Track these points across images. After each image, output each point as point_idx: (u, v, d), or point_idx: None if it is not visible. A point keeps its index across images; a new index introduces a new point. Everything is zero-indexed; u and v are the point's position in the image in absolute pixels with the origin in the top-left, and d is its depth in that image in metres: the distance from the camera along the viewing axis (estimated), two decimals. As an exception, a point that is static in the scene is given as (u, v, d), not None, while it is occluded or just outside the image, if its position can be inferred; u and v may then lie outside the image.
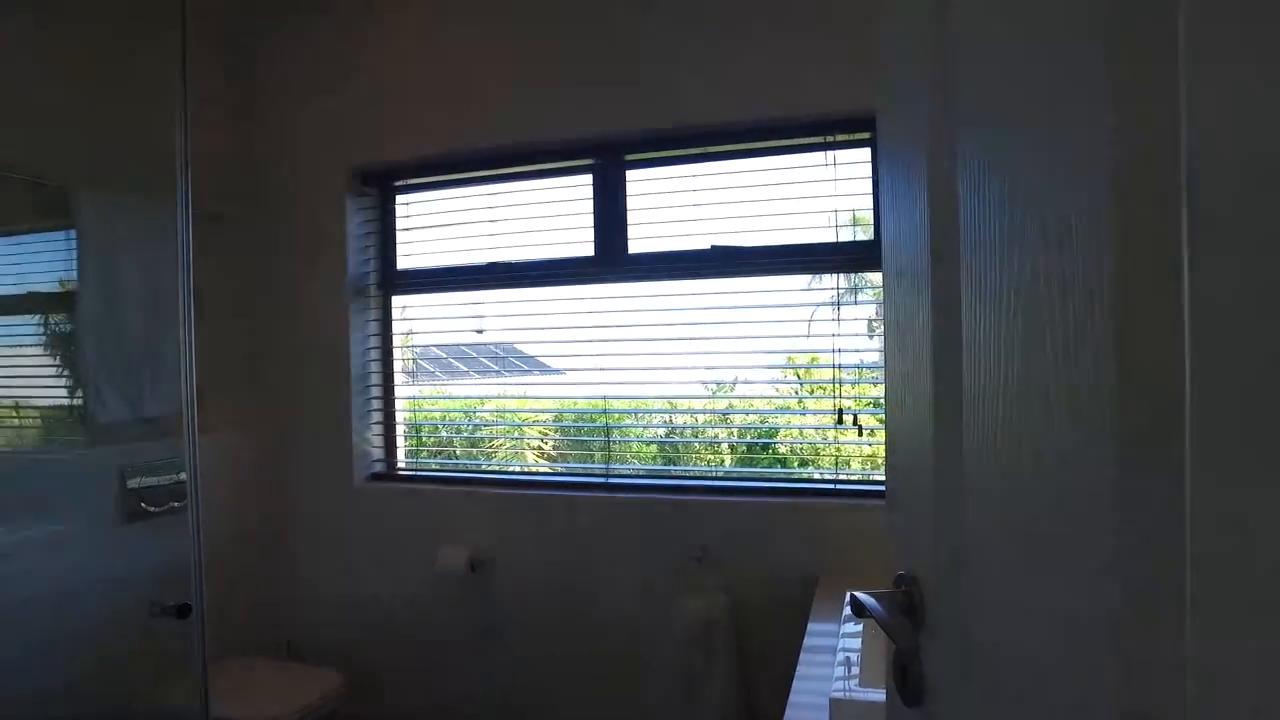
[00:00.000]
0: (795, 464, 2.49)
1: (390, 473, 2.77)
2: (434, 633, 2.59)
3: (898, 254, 0.79)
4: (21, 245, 2.21)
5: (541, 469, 2.66)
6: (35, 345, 2.25)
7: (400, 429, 2.80)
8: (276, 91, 2.80)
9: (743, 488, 2.37)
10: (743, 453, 2.59)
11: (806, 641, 1.71)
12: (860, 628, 1.60)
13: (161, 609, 1.58)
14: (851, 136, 2.26)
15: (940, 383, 0.68)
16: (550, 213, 2.59)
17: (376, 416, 2.77)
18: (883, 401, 2.25)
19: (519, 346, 2.79)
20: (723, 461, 2.58)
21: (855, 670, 1.47)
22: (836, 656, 1.53)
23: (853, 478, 2.31)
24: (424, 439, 2.90)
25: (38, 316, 2.23)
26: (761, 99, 2.24)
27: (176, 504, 2.36)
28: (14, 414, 2.20)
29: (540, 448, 2.82)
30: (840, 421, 2.32)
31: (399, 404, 2.79)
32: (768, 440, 2.59)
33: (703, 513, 2.32)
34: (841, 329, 2.28)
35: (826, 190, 2.31)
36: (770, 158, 2.37)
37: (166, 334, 2.32)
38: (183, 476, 2.38)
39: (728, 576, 2.28)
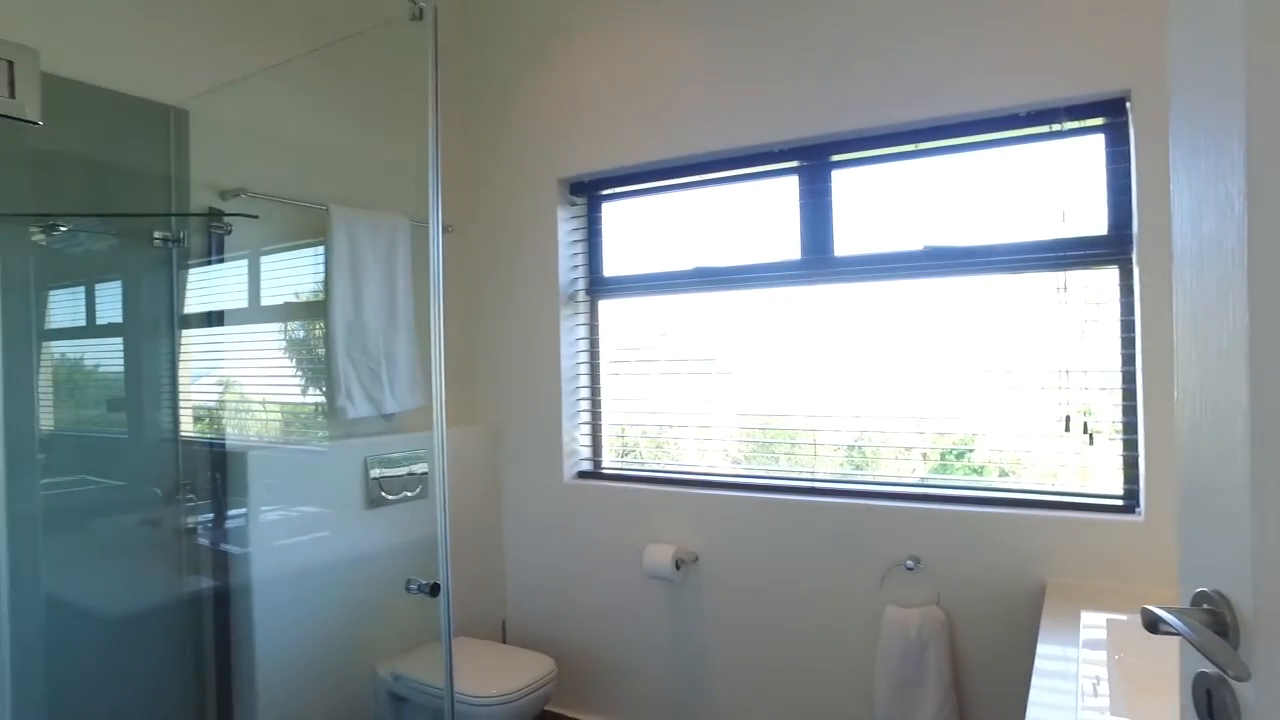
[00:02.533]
0: (997, 473, 2.34)
1: (597, 471, 2.89)
2: (637, 627, 2.67)
3: (1196, 245, 0.73)
4: (287, 261, 2.51)
5: (745, 471, 2.66)
6: (298, 347, 2.54)
7: (606, 429, 2.91)
8: (490, 109, 3.00)
9: (955, 495, 2.26)
10: (949, 460, 2.47)
11: (1038, 664, 1.60)
12: (1103, 653, 1.48)
13: (417, 586, 1.75)
14: (1082, 123, 2.10)
15: (1260, 384, 0.62)
16: (755, 217, 2.61)
17: (584, 417, 2.90)
18: (1118, 407, 2.10)
19: (722, 349, 2.82)
20: (931, 468, 2.48)
21: (1105, 699, 1.36)
22: (1079, 683, 1.42)
23: (1079, 489, 2.15)
24: (629, 439, 2.99)
25: (300, 322, 2.52)
26: (977, 91, 2.14)
27: (410, 494, 2.60)
28: (279, 410, 2.50)
29: (730, 451, 2.83)
30: (1068, 429, 2.16)
31: (605, 405, 2.90)
32: (968, 449, 2.45)
33: (913, 520, 2.24)
34: (1067, 329, 2.12)
35: (1047, 182, 2.16)
36: (984, 151, 2.25)
37: (401, 338, 2.56)
38: (416, 469, 2.61)
39: (941, 588, 2.18)
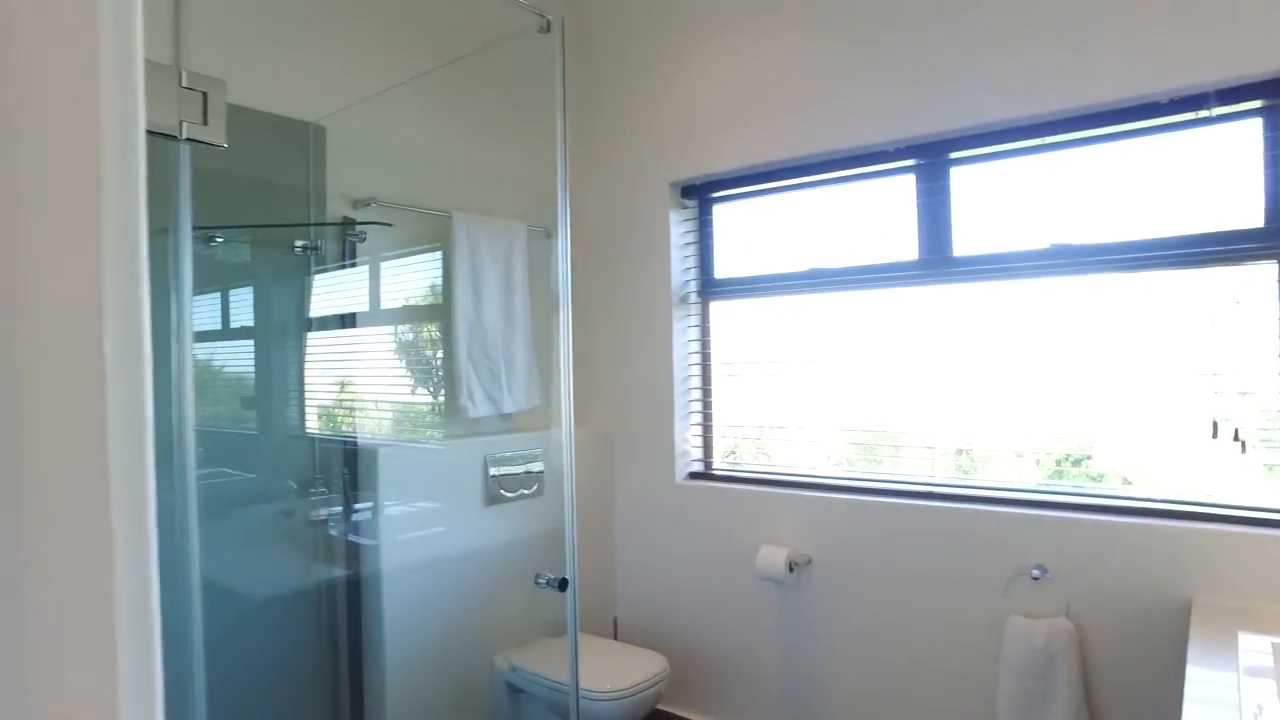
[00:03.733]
0: (1119, 481, 2.21)
1: (707, 472, 2.90)
2: (749, 629, 2.66)
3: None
4: (411, 266, 2.62)
5: (857, 474, 2.62)
6: (419, 349, 2.65)
7: (718, 431, 2.91)
8: (603, 115, 3.05)
9: (1082, 504, 2.15)
10: (1064, 466, 2.35)
11: (1189, 689, 1.51)
12: (1271, 681, 1.38)
13: (546, 580, 1.80)
14: (1235, 108, 1.96)
15: None
16: (869, 216, 2.56)
17: (695, 418, 2.91)
18: (1264, 413, 1.95)
19: (834, 350, 2.78)
20: (1047, 474, 2.37)
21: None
22: (1241, 713, 1.34)
23: (1226, 499, 2.01)
24: (738, 441, 2.99)
25: (421, 325, 2.63)
26: (1113, 78, 2.03)
27: (526, 491, 2.67)
28: (402, 409, 2.62)
29: (839, 453, 2.78)
30: (1215, 435, 2.02)
31: (716, 406, 2.91)
32: (1085, 456, 2.32)
33: (1037, 527, 2.15)
34: (1212, 329, 1.99)
35: (1190, 173, 2.03)
36: (1119, 142, 2.14)
37: (518, 340, 2.63)
38: (533, 468, 2.68)
39: (1070, 598, 2.09)
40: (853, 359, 2.60)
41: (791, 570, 2.51)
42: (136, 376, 0.40)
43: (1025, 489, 2.29)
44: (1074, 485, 2.26)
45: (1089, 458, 2.32)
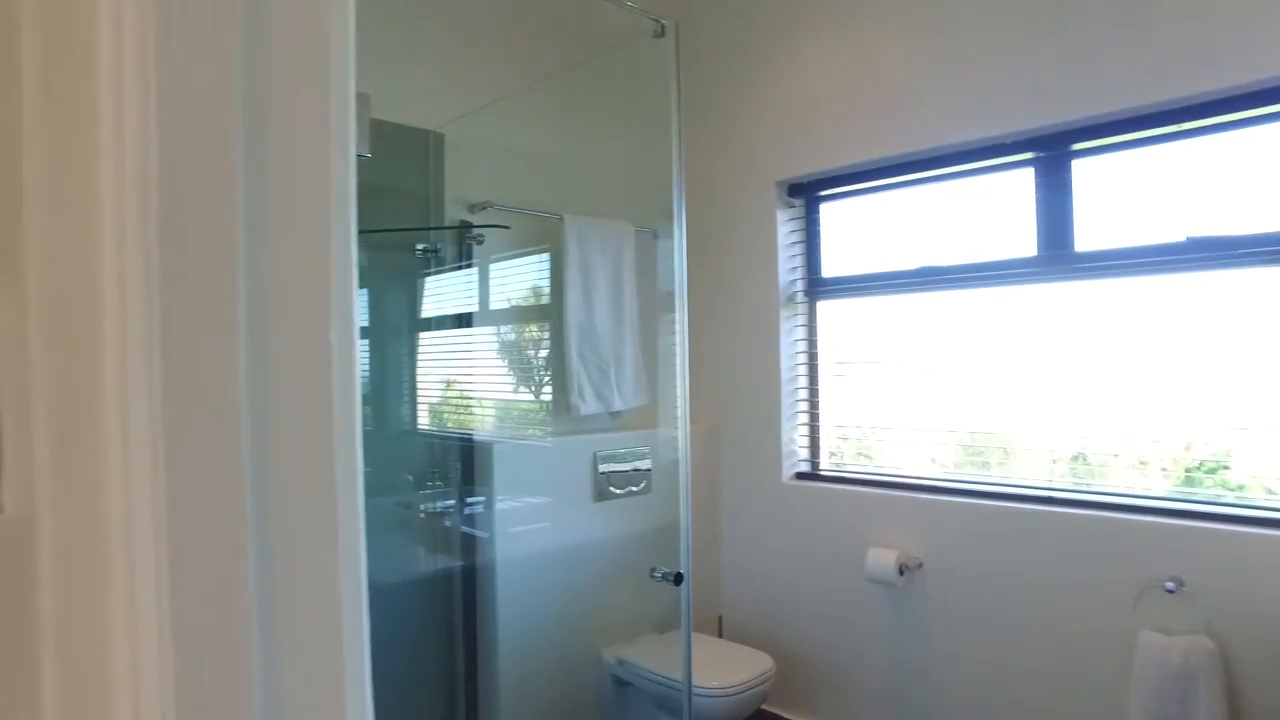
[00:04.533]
0: (1263, 491, 2.07)
1: (814, 473, 2.87)
2: (857, 632, 2.63)
3: None
4: (522, 267, 2.71)
5: (969, 476, 2.54)
6: (529, 348, 2.74)
7: (825, 430, 2.89)
8: (710, 114, 3.06)
9: (1223, 514, 2.03)
10: (1196, 474, 2.22)
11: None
12: None
13: (661, 575, 1.83)
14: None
15: None
16: (984, 212, 2.48)
17: (802, 418, 2.90)
18: None
19: (946, 349, 2.71)
20: (1175, 481, 2.24)
21: None
22: None
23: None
24: (847, 441, 2.95)
25: (532, 324, 2.71)
26: (1247, 60, 1.91)
27: (635, 488, 2.71)
28: (513, 406, 2.70)
29: (950, 455, 2.70)
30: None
31: (824, 406, 2.88)
32: (1222, 465, 2.18)
33: (1170, 537, 2.04)
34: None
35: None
36: (1261, 127, 2.01)
37: (627, 339, 2.68)
38: (641, 465, 2.72)
39: (1211, 615, 1.97)
40: (963, 359, 2.53)
41: (902, 573, 2.46)
42: (350, 362, 0.44)
43: (1156, 496, 2.17)
44: (1212, 494, 2.13)
45: (1226, 466, 2.19)
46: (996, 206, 2.46)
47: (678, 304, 1.89)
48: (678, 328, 1.88)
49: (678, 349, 1.89)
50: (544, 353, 2.70)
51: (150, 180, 0.35)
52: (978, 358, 2.51)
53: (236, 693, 0.37)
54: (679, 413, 1.88)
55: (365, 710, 0.43)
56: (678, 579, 1.80)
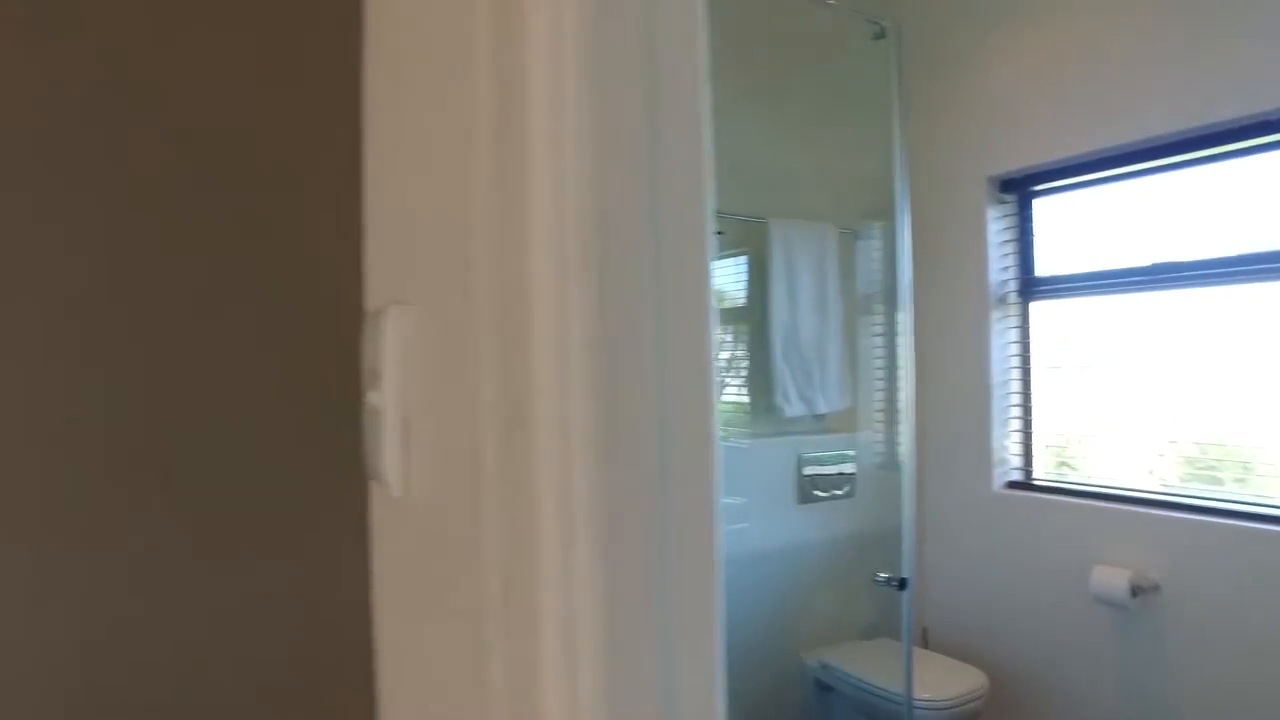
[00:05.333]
0: None
1: (1028, 482, 2.73)
2: (1080, 655, 2.47)
3: None
4: (725, 270, 2.76)
5: (1217, 493, 2.32)
6: (736, 350, 2.78)
7: (1040, 439, 2.74)
8: (917, 110, 2.98)
9: None
10: None
11: None
12: None
13: (885, 580, 1.83)
14: None
15: None
16: (1230, 202, 2.26)
17: (1014, 425, 2.76)
18: None
19: (1180, 351, 2.50)
20: None
21: None
22: None
23: None
24: (1066, 451, 2.78)
25: (737, 326, 2.76)
26: None
27: (838, 492, 2.69)
28: (720, 409, 2.75)
29: (1185, 468, 2.47)
30: None
31: (1038, 413, 2.73)
32: None
33: None
34: None
35: None
36: None
37: (831, 342, 2.67)
38: (845, 469, 2.70)
39: None
40: (1195, 363, 2.31)
41: (1135, 595, 2.29)
42: (710, 368, 0.49)
43: None
44: None
45: None
46: (1247, 194, 2.23)
47: (901, 304, 1.87)
48: (901, 328, 1.86)
49: (901, 350, 1.87)
50: (746, 355, 2.74)
51: (585, 224, 0.42)
52: (1213, 362, 2.29)
53: (648, 691, 0.43)
54: (902, 415, 1.86)
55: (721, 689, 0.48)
56: (901, 584, 1.78)
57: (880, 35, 1.77)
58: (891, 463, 2.96)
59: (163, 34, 0.61)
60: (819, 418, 2.72)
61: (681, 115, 0.44)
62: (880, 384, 2.96)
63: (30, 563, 0.57)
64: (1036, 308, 2.74)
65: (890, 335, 3.04)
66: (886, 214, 3.05)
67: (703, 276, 0.46)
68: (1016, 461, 2.76)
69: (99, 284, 0.58)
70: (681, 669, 0.45)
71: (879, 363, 2.98)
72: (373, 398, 0.53)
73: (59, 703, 0.58)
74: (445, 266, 0.45)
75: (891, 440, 2.96)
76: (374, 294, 0.60)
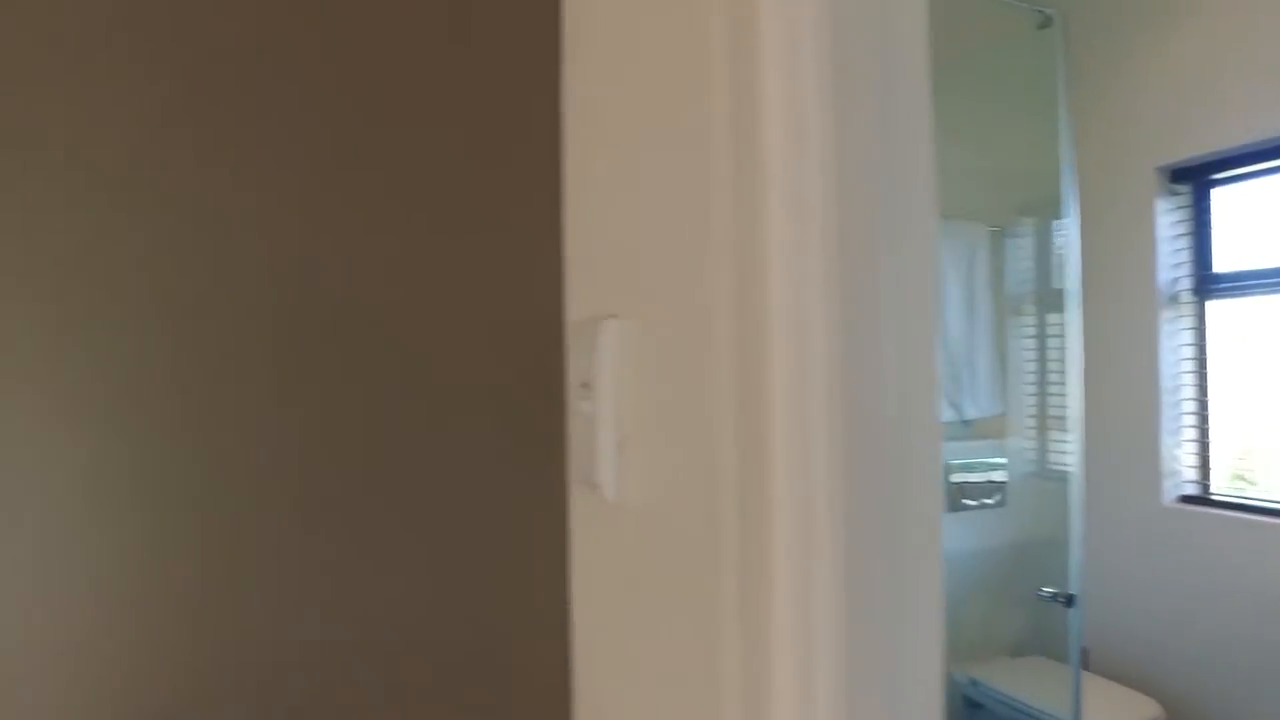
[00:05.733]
0: None
1: (1204, 496, 2.52)
2: (1266, 689, 2.26)
3: None
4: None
5: None
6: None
7: (1217, 449, 2.53)
8: (1077, 98, 2.81)
9: None
10: None
11: None
12: None
13: (1051, 595, 1.74)
14: None
15: None
16: None
17: (1188, 434, 2.56)
18: None
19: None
20: None
21: None
22: None
23: None
24: (1244, 462, 2.56)
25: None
26: None
27: (989, 500, 2.58)
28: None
29: None
30: None
31: (1216, 421, 2.52)
32: None
33: None
34: None
35: None
36: None
37: (981, 345, 2.56)
38: (995, 477, 2.58)
39: None
40: None
41: (1334, 623, 2.08)
42: (933, 367, 0.48)
43: None
44: None
45: None
46: None
47: (1069, 304, 1.77)
48: (1069, 330, 1.76)
49: (1069, 353, 1.77)
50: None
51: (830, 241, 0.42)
52: None
53: (878, 701, 0.43)
54: (1070, 422, 1.76)
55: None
56: (1069, 600, 1.68)
57: (1046, 24, 1.68)
58: (1045, 471, 2.81)
59: (372, 78, 0.65)
60: (966, 423, 2.61)
61: (911, 123, 0.44)
62: (1032, 388, 2.81)
63: (274, 570, 0.63)
64: (1213, 307, 2.53)
65: (1043, 337, 2.89)
66: (1039, 210, 2.90)
67: (928, 289, 0.45)
68: (1190, 474, 2.55)
69: (297, 299, 0.63)
70: (907, 680, 0.44)
71: (1030, 366, 2.83)
72: (585, 407, 0.55)
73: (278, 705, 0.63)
74: (670, 282, 0.47)
75: (1045, 448, 2.81)
76: (579, 307, 0.62)
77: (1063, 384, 2.84)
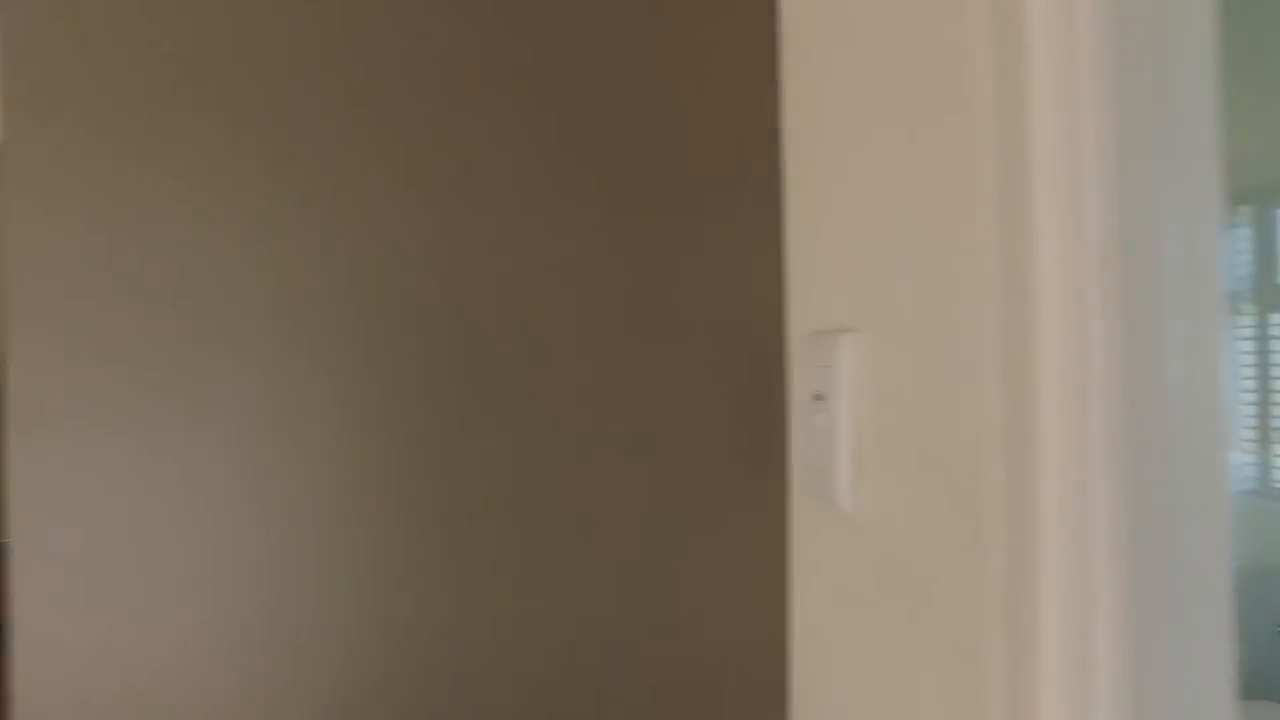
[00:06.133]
0: None
1: None
2: None
3: None
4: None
5: None
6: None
7: None
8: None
9: None
10: None
11: None
12: None
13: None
14: None
15: None
16: None
17: None
18: None
19: None
20: None
21: None
22: None
23: None
24: None
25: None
26: None
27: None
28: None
29: None
30: None
31: None
32: None
33: None
34: None
35: None
36: None
37: None
38: None
39: None
40: None
41: None
42: (1221, 378, 0.45)
43: None
44: None
45: None
46: None
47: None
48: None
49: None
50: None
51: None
52: None
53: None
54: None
55: None
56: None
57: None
58: (1269, 490, 2.52)
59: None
60: None
61: (1194, 99, 0.41)
62: (1252, 395, 2.54)
63: (497, 576, 0.66)
64: None
65: (1264, 339, 2.60)
66: (1259, 196, 2.62)
67: (1215, 291, 0.42)
68: None
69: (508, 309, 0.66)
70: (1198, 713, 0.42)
71: (1249, 371, 2.56)
72: (819, 419, 0.56)
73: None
74: (919, 295, 0.46)
75: (1268, 463, 2.52)
76: (803, 318, 0.63)
77: (1289, 392, 2.55)
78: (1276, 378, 2.52)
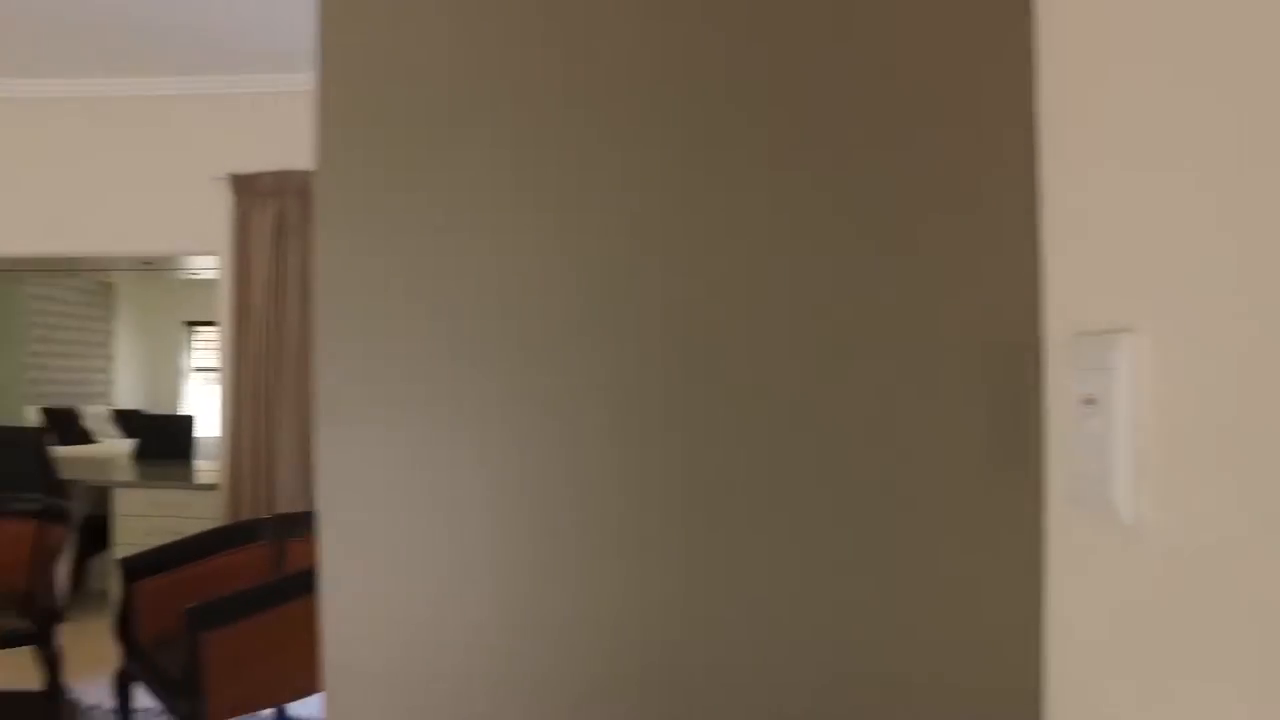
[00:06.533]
0: None
1: None
2: None
3: None
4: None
5: None
6: None
7: None
8: None
9: None
10: None
11: None
12: None
13: None
14: None
15: None
16: None
17: None
18: None
19: None
20: None
21: None
22: None
23: None
24: None
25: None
26: None
27: None
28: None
29: None
30: None
31: None
32: None
33: None
34: None
35: None
36: None
37: None
38: None
39: None
40: None
41: None
42: None
43: None
44: None
45: None
46: None
47: None
48: None
49: None
50: None
51: None
52: None
53: None
54: None
55: None
56: None
57: None
58: None
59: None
60: None
61: None
62: None
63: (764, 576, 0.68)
64: None
65: None
66: None
67: None
68: None
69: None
70: None
71: None
72: (1092, 425, 0.53)
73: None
74: (1208, 294, 0.43)
75: None
76: (1065, 320, 0.60)
77: None
78: None
